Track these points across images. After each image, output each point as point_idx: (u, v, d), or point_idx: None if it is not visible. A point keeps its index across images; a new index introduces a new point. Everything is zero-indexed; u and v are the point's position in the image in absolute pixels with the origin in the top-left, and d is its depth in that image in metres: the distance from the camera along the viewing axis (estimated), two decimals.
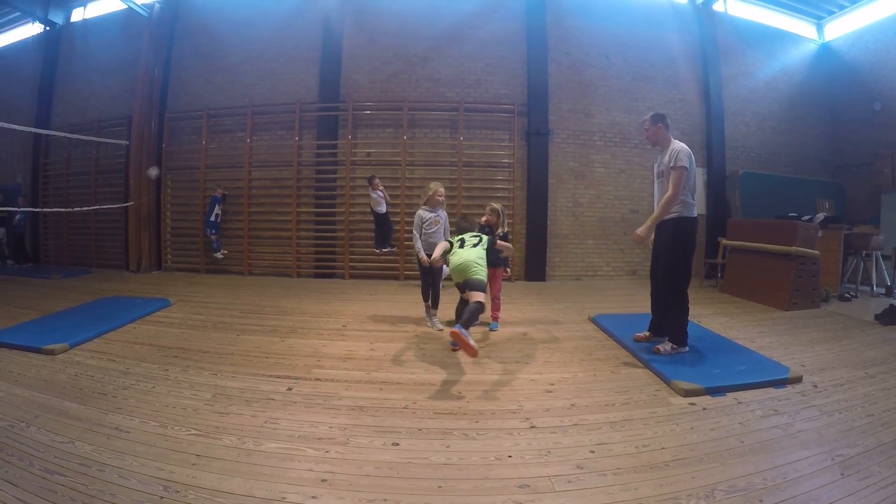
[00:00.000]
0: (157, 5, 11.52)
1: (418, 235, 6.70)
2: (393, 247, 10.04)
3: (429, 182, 6.96)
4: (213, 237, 10.93)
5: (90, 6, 13.56)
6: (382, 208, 9.66)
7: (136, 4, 11.43)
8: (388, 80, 11.14)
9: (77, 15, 13.68)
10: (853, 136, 12.92)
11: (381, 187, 9.52)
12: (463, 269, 5.31)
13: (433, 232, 6.70)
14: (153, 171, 11.12)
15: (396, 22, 11.23)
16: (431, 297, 6.89)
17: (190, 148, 11.56)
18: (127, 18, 11.98)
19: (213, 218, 10.87)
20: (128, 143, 11.45)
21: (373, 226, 9.99)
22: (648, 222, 5.38)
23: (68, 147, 12.50)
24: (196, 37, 11.82)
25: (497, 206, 6.69)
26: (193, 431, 3.51)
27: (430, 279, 6.81)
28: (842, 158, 13.30)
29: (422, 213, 6.76)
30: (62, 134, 11.58)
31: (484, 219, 6.63)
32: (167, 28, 11.70)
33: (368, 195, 9.69)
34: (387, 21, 11.24)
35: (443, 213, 6.91)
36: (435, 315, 6.86)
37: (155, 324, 6.54)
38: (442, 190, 6.89)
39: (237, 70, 11.51)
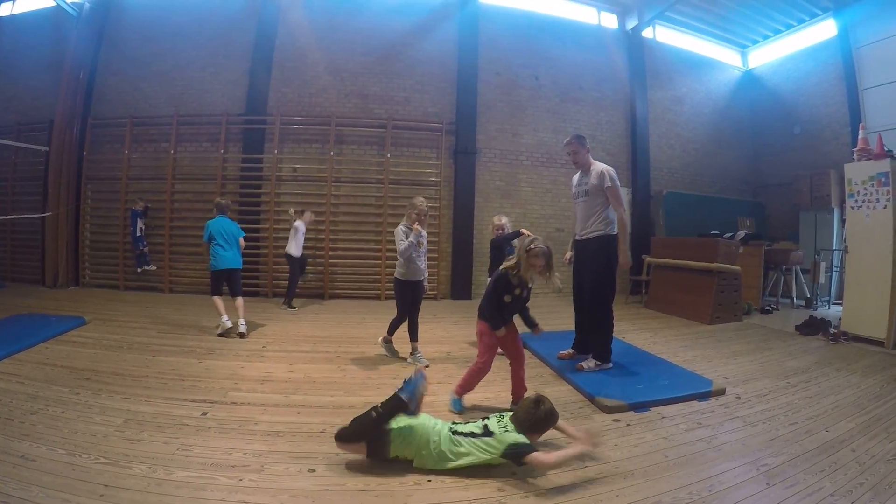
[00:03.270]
0: (87, 5, 11.03)
1: (411, 251, 5.85)
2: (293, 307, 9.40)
3: (413, 199, 6.15)
4: (144, 250, 10.54)
5: (18, 1, 12.85)
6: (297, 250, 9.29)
7: (66, 3, 10.89)
8: (317, 94, 11.02)
9: (4, 10, 12.90)
10: (774, 157, 13.49)
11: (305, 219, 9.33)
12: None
13: (419, 255, 5.97)
14: None
15: (330, 36, 11.13)
16: (409, 328, 6.13)
17: (112, 157, 11.04)
18: (56, 17, 11.35)
19: (138, 233, 10.47)
20: (48, 148, 10.88)
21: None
22: (623, 247, 5.49)
23: None
24: (126, 40, 11.34)
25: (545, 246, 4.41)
26: (102, 460, 3.33)
27: (410, 306, 6.07)
28: (763, 179, 13.87)
29: (404, 229, 5.92)
30: None
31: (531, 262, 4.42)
32: (96, 29, 11.19)
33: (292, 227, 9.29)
34: (320, 35, 11.12)
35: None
36: (417, 350, 6.11)
37: (69, 343, 6.21)
38: (425, 206, 6.09)
39: (166, 77, 11.14)
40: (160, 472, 3.22)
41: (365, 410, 3.49)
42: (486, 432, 3.43)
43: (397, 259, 5.97)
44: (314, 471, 3.35)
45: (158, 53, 11.20)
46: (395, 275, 6.02)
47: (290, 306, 9.25)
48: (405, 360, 6.03)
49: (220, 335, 6.95)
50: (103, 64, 11.31)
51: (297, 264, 9.25)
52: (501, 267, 4.49)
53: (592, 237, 5.52)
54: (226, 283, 7.52)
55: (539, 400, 3.56)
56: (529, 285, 4.54)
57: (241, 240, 7.65)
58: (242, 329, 7.06)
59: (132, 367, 5.43)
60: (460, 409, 4.44)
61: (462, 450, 3.37)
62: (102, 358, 5.69)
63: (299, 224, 9.13)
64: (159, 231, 10.79)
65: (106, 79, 11.29)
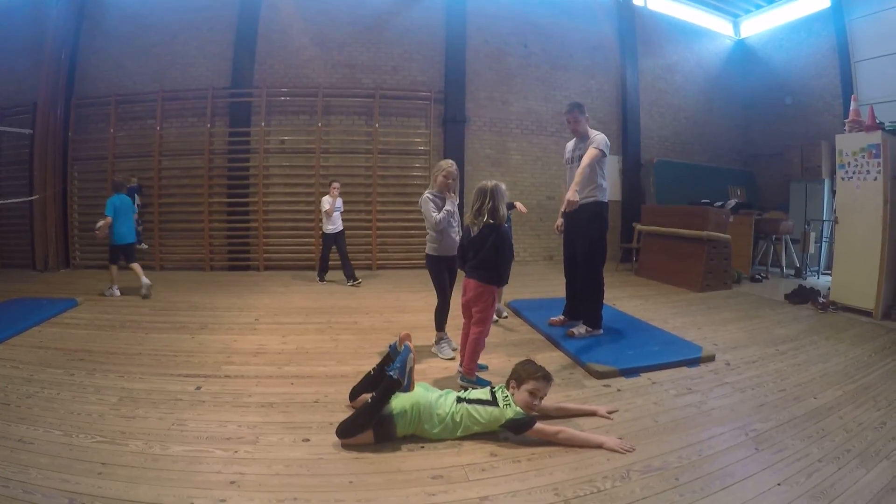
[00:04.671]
0: None
1: (445, 223, 5.11)
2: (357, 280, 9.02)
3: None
4: (139, 229, 10.29)
5: None
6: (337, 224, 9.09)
7: None
8: (303, 65, 10.88)
9: None
10: (765, 127, 13.43)
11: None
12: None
13: (452, 226, 5.19)
14: None
15: (315, 6, 10.95)
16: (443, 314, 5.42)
17: (98, 136, 10.86)
18: None
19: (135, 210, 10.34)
20: (32, 131, 10.70)
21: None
22: (574, 186, 5.30)
23: None
24: (107, 17, 11.07)
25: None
26: (99, 438, 3.32)
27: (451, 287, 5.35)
28: (754, 148, 13.81)
29: (429, 196, 5.18)
30: None
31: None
32: (77, 8, 10.91)
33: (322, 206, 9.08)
34: (305, 4, 10.94)
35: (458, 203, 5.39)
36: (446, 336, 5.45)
37: (61, 325, 6.15)
38: (453, 170, 5.23)
39: (149, 53, 10.91)
40: (156, 447, 3.23)
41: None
42: (493, 400, 3.44)
43: (427, 233, 5.27)
44: (309, 440, 3.36)
45: (141, 29, 10.96)
46: (428, 251, 5.25)
47: (322, 279, 9.22)
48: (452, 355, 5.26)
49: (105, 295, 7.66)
50: (85, 43, 11.04)
51: (329, 240, 9.10)
52: (488, 220, 4.32)
53: (585, 203, 5.44)
54: (122, 254, 8.07)
55: (526, 364, 3.64)
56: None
57: (136, 215, 8.11)
58: (146, 292, 7.70)
59: (125, 345, 5.40)
60: (484, 382, 4.29)
61: (469, 419, 3.38)
62: (95, 338, 5.64)
63: (324, 201, 8.96)
64: (147, 209, 10.67)
65: (88, 58, 11.04)
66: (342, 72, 10.95)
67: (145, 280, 7.82)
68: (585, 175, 5.37)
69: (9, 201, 10.41)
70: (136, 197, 10.30)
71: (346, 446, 3.28)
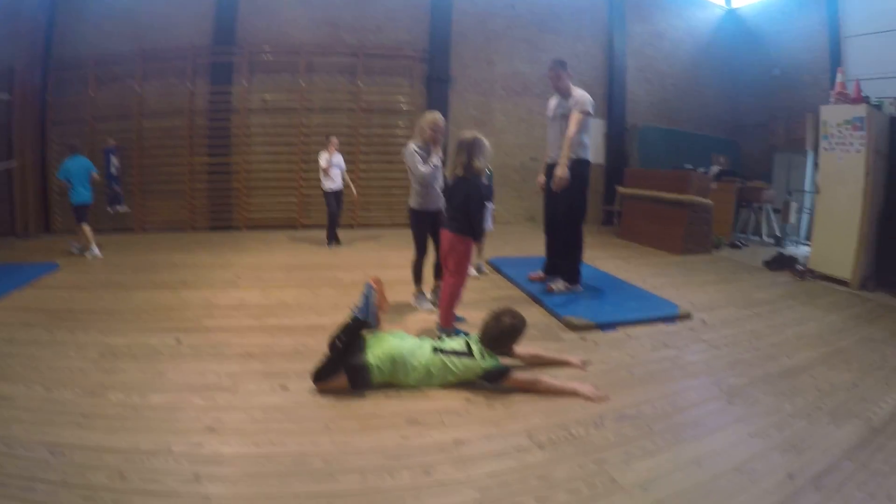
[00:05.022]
0: None
1: (423, 167, 5.04)
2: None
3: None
4: (118, 190, 10.20)
5: None
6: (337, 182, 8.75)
7: None
8: (286, 24, 10.68)
9: None
10: (751, 98, 13.32)
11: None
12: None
13: (436, 180, 5.17)
14: None
15: None
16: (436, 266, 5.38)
17: (77, 99, 10.57)
18: None
19: (113, 171, 10.15)
20: (9, 97, 10.43)
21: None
22: (563, 160, 5.33)
23: None
24: None
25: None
26: (79, 392, 3.39)
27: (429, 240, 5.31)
28: (739, 118, 13.72)
29: (414, 147, 5.12)
30: None
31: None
32: None
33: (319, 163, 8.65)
34: None
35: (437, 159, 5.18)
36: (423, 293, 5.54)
37: (42, 288, 6.12)
38: (440, 123, 5.16)
39: (129, 13, 10.58)
40: (136, 397, 3.29)
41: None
42: (469, 351, 3.44)
43: (411, 187, 5.22)
44: (287, 387, 3.43)
45: None
46: (410, 205, 5.23)
47: (330, 244, 8.79)
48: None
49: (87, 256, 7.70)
50: (62, 5, 10.67)
51: (329, 199, 8.73)
52: (460, 175, 4.34)
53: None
54: (84, 212, 8.12)
55: (498, 315, 3.54)
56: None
57: (94, 174, 8.25)
58: (97, 251, 7.82)
59: (107, 304, 5.43)
60: (462, 333, 4.28)
61: (445, 370, 3.39)
62: (77, 298, 5.64)
63: (321, 157, 8.59)
64: (129, 171, 10.48)
65: (66, 20, 10.66)
66: (325, 30, 10.77)
67: (85, 245, 7.94)
68: (574, 143, 5.38)
69: None
70: (113, 158, 10.12)
71: (322, 391, 3.32)
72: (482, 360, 3.38)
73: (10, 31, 10.25)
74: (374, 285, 3.78)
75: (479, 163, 4.29)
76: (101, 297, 5.69)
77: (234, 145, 10.57)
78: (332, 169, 8.47)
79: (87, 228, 7.96)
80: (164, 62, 10.55)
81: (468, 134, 4.36)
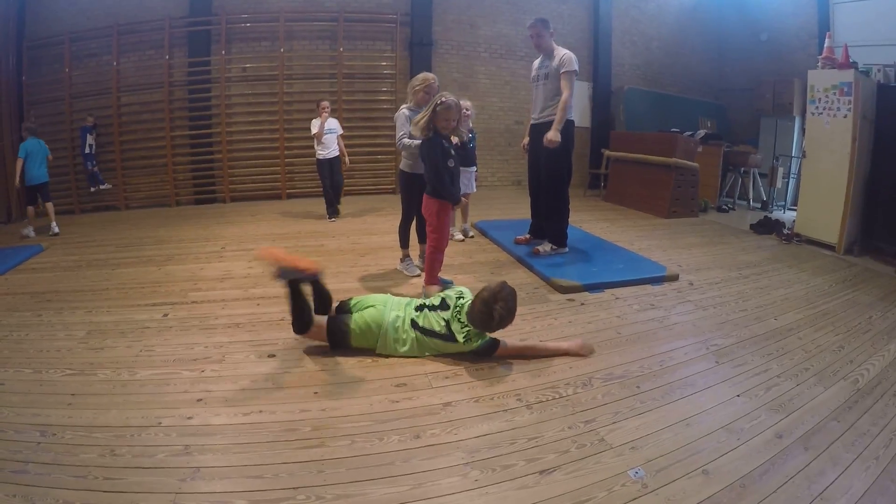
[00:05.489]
0: None
1: (405, 142, 5.03)
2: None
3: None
4: (94, 170, 10.04)
5: None
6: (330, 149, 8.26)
7: None
8: None
9: None
10: (738, 62, 13.23)
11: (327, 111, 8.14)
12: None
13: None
14: None
15: None
16: (418, 228, 5.41)
17: (52, 78, 10.32)
18: None
19: (87, 150, 9.98)
20: None
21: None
22: (556, 125, 5.28)
23: None
24: None
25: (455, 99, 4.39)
26: (68, 372, 3.38)
27: (415, 205, 5.11)
28: (726, 82, 13.65)
29: (407, 112, 5.09)
30: None
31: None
32: None
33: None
34: None
35: None
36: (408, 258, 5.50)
37: (27, 272, 6.04)
38: (435, 82, 5.16)
39: None
40: (124, 374, 3.29)
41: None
42: (450, 333, 3.34)
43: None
44: (274, 356, 3.47)
45: None
46: (401, 167, 5.19)
47: (330, 217, 8.28)
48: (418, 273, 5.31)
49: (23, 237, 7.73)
50: None
51: (323, 169, 8.26)
52: (422, 137, 4.37)
53: (549, 121, 5.42)
54: (38, 193, 8.23)
55: (489, 302, 3.25)
56: (457, 141, 4.47)
57: (49, 157, 8.45)
58: (56, 230, 7.92)
59: (92, 282, 5.39)
60: (447, 282, 4.56)
61: (429, 348, 3.41)
62: (62, 279, 5.59)
63: (312, 124, 8.15)
64: (109, 148, 10.32)
65: None
66: None
67: (55, 225, 8.08)
68: (567, 106, 5.33)
69: None
70: (89, 137, 9.96)
71: (308, 353, 3.42)
72: (467, 345, 3.31)
73: None
74: (266, 255, 3.52)
75: (442, 124, 4.24)
76: (86, 276, 5.65)
77: (214, 116, 10.40)
78: (326, 136, 8.06)
79: (31, 210, 8.18)
80: (140, 35, 10.30)
81: (437, 97, 4.31)
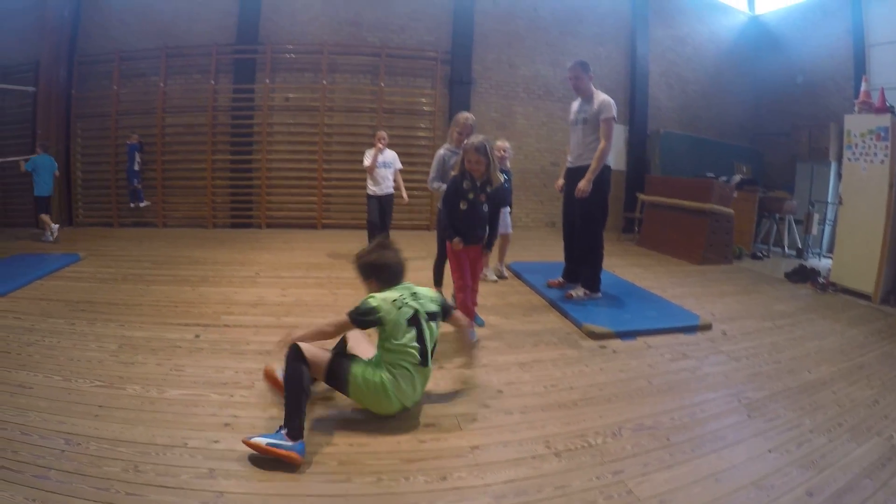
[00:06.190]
0: None
1: (437, 180, 5.17)
2: None
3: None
4: (138, 187, 10.40)
5: None
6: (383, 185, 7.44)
7: None
8: (308, 22, 10.73)
9: None
10: (774, 106, 13.14)
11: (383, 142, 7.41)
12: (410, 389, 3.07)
13: None
14: None
15: None
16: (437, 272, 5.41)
17: (101, 93, 10.75)
18: None
19: (136, 167, 10.34)
20: (35, 89, 10.58)
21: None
22: (589, 175, 5.29)
23: None
24: None
25: (479, 140, 4.24)
26: (97, 383, 3.42)
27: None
28: (761, 126, 13.54)
29: (444, 152, 5.25)
30: None
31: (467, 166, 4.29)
32: None
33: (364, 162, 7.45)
34: None
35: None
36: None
37: (63, 279, 6.22)
38: (468, 121, 5.21)
39: (153, 10, 10.71)
40: (153, 391, 3.31)
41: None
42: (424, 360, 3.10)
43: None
44: None
45: None
46: (439, 205, 5.01)
47: None
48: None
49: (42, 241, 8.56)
50: (87, 1, 10.86)
51: (371, 205, 7.42)
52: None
53: (585, 165, 5.41)
54: (45, 203, 9.03)
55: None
56: (485, 188, 4.29)
57: (56, 173, 9.30)
58: (51, 238, 8.69)
59: (127, 296, 5.49)
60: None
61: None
62: (97, 290, 5.71)
63: (365, 155, 7.45)
64: (151, 166, 10.63)
65: (91, 15, 10.83)
66: (348, 30, 10.80)
67: (54, 228, 8.88)
68: (604, 155, 5.34)
69: (11, 159, 10.29)
70: (137, 154, 10.26)
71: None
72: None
73: (36, 25, 10.49)
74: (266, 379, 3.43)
75: (468, 166, 4.20)
76: (121, 289, 5.76)
77: (255, 143, 10.64)
78: (379, 169, 7.30)
79: (45, 217, 8.87)
80: (188, 59, 10.69)
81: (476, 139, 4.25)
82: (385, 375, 2.93)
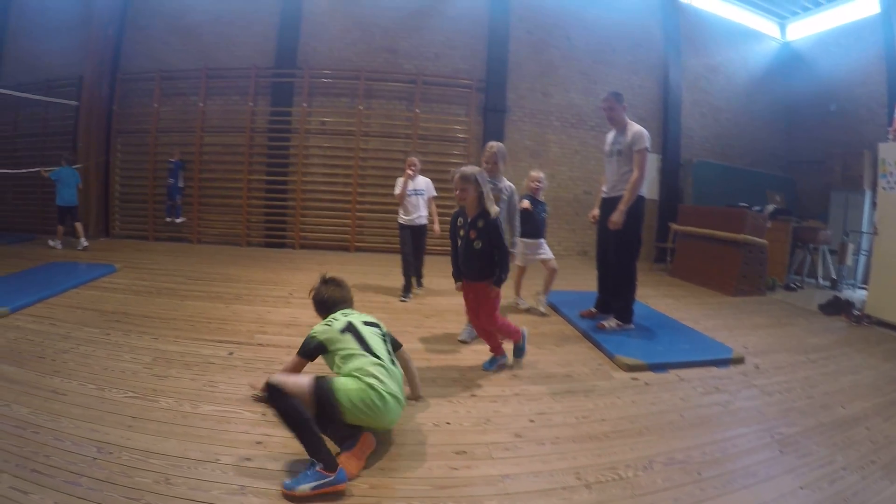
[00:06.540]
0: None
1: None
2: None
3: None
4: (178, 203, 10.73)
5: None
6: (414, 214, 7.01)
7: None
8: (346, 48, 10.97)
9: None
10: (807, 133, 13.08)
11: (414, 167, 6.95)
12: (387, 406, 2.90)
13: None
14: None
15: None
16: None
17: (142, 110, 11.15)
18: None
19: (180, 184, 10.71)
20: (78, 103, 10.99)
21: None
22: (622, 206, 5.29)
23: (16, 107, 11.77)
24: None
25: (469, 169, 4.14)
26: (131, 394, 3.48)
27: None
28: (795, 154, 13.48)
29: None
30: (9, 92, 10.90)
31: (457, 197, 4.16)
32: None
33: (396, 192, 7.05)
34: None
35: (508, 185, 5.33)
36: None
37: (99, 289, 6.38)
38: (491, 149, 5.26)
39: (194, 32, 11.15)
40: (186, 405, 3.36)
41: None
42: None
43: None
44: None
45: (186, 7, 11.20)
46: None
47: (405, 295, 6.86)
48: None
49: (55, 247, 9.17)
50: (131, 19, 11.31)
51: (403, 236, 7.02)
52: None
53: (620, 196, 5.41)
54: (68, 214, 9.55)
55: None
56: (476, 223, 4.09)
57: (78, 185, 9.77)
58: (84, 244, 9.30)
59: (161, 310, 5.58)
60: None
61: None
62: (132, 302, 5.83)
63: (396, 183, 7.04)
64: (188, 183, 10.92)
65: (134, 34, 11.30)
66: (384, 56, 11.01)
67: (84, 240, 9.43)
68: (637, 187, 5.35)
69: (33, 169, 10.57)
70: (180, 173, 10.63)
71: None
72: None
73: (80, 42, 10.97)
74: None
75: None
76: (155, 302, 5.88)
77: (291, 165, 10.86)
78: (410, 197, 6.91)
79: (79, 226, 9.51)
80: (227, 80, 11.01)
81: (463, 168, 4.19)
82: (365, 380, 2.83)
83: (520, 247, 6.17)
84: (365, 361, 2.95)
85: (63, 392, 3.43)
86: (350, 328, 3.14)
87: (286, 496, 2.50)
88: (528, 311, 6.48)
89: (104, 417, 3.12)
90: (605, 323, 5.62)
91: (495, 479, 2.80)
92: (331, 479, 2.54)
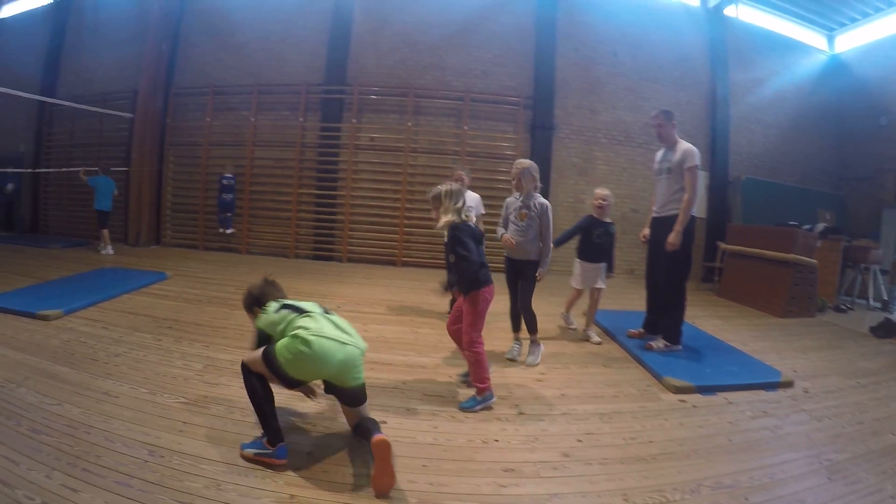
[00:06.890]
0: None
1: (501, 227, 5.30)
2: None
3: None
4: (229, 215, 11.06)
5: None
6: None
7: None
8: (395, 66, 11.17)
9: None
10: (858, 149, 12.76)
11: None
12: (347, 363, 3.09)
13: (521, 228, 5.06)
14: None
15: (407, 9, 11.26)
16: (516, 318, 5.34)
17: (194, 124, 11.61)
18: None
19: (231, 198, 11.07)
20: (132, 116, 11.45)
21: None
22: (678, 227, 5.26)
23: (72, 118, 12.44)
24: (205, 14, 11.86)
25: (434, 191, 4.14)
26: (182, 399, 3.60)
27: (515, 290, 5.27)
28: (845, 171, 13.15)
29: (510, 199, 5.24)
30: (67, 103, 11.53)
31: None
32: (177, 4, 11.74)
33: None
34: (397, 8, 11.27)
35: (540, 202, 5.03)
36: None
37: (150, 295, 6.59)
38: (519, 166, 5.05)
39: (245, 49, 11.55)
40: (237, 414, 3.45)
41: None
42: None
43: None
44: (385, 422, 3.46)
45: (238, 26, 11.62)
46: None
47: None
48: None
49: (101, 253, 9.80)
50: (184, 36, 11.84)
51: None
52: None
53: (671, 216, 5.39)
54: (105, 218, 10.20)
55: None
56: (446, 237, 4.08)
57: (115, 192, 10.47)
58: (110, 252, 9.99)
59: (211, 318, 5.76)
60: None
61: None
62: (183, 309, 6.03)
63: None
64: (239, 195, 11.23)
65: (187, 51, 11.81)
66: (432, 74, 11.17)
67: (109, 248, 10.18)
68: (691, 206, 5.32)
69: (73, 169, 11.13)
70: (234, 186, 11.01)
71: (417, 425, 3.50)
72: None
73: (135, 56, 11.52)
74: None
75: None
76: (206, 311, 6.06)
77: (340, 180, 11.09)
78: None
79: (105, 232, 10.17)
80: (278, 96, 11.36)
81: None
82: (291, 333, 2.96)
83: (577, 268, 6.19)
84: (296, 319, 3.07)
85: (115, 394, 3.58)
86: (285, 306, 3.26)
87: (240, 455, 2.90)
88: (582, 340, 6.19)
89: (155, 421, 3.24)
90: (653, 343, 5.57)
91: (543, 499, 2.82)
92: (269, 451, 2.86)
